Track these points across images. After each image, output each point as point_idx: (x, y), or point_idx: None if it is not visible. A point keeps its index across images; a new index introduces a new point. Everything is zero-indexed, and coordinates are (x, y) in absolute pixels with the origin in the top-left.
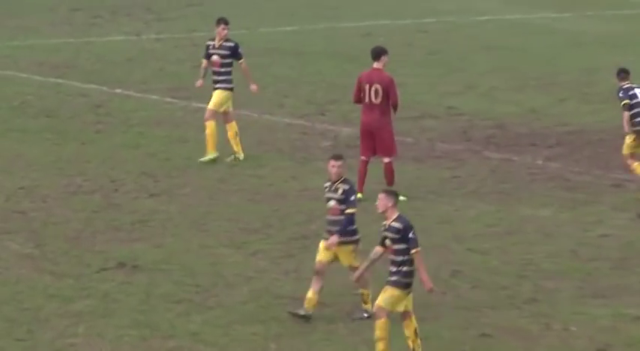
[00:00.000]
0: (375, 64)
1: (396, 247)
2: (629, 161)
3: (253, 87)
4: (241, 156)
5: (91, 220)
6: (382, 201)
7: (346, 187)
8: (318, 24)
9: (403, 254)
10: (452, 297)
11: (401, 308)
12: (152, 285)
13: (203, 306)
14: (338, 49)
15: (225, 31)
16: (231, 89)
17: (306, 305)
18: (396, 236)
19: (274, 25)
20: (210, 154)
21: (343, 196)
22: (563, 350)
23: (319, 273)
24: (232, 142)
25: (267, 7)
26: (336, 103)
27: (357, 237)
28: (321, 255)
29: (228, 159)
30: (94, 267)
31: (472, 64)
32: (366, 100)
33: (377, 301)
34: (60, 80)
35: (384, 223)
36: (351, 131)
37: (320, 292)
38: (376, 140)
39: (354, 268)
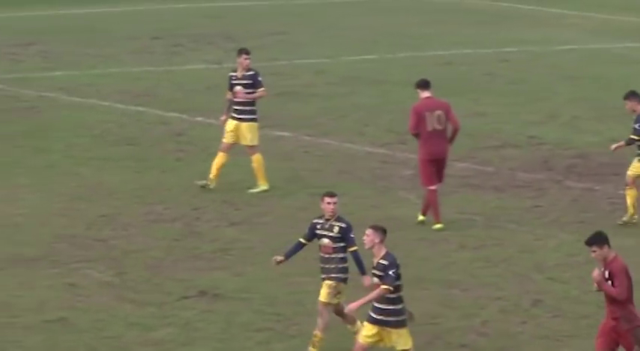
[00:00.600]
0: (428, 93)
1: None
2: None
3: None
4: (212, 185)
5: (172, 248)
6: (369, 236)
7: (343, 225)
8: (399, 53)
9: (392, 292)
10: (533, 326)
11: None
12: (233, 313)
13: (284, 334)
14: (418, 77)
15: (248, 61)
16: (256, 120)
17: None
18: (382, 274)
19: (355, 54)
20: (261, 185)
21: (339, 235)
22: None
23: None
24: (258, 173)
25: (349, 35)
26: None
27: (344, 276)
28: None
29: (199, 182)
30: (174, 295)
31: (554, 94)
32: (429, 129)
33: (397, 347)
34: (141, 108)
35: (373, 260)
36: None
37: (324, 330)
38: (440, 167)
39: (325, 305)
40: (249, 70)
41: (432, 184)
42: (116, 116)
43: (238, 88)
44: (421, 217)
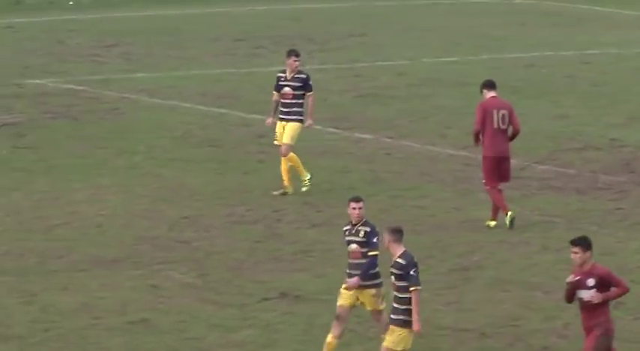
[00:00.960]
0: (494, 93)
1: (399, 284)
2: None
3: (310, 122)
4: (290, 190)
5: (254, 250)
6: (384, 237)
7: (368, 229)
8: (481, 55)
9: (405, 292)
10: (616, 329)
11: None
12: (314, 315)
13: (364, 336)
14: (500, 79)
15: (297, 63)
16: (302, 121)
17: (324, 350)
18: (399, 272)
19: (437, 56)
20: (304, 176)
21: (365, 239)
22: None
23: (339, 318)
24: (284, 175)
25: (430, 37)
26: None
27: (379, 280)
28: (343, 299)
29: (276, 192)
30: (256, 297)
31: (635, 96)
32: (495, 126)
33: (384, 343)
34: (223, 110)
35: (392, 259)
36: (513, 162)
37: (340, 336)
38: (504, 167)
39: (378, 313)
40: (299, 72)
41: (494, 184)
42: (198, 118)
43: (287, 89)
44: (492, 223)
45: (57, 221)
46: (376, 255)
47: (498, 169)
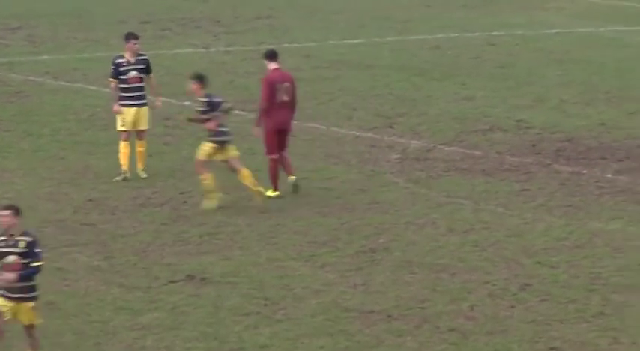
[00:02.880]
0: (276, 64)
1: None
2: None
3: (158, 103)
4: (128, 174)
5: (160, 232)
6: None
7: (29, 239)
8: (386, 37)
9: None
10: (521, 310)
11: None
12: (220, 298)
13: (271, 319)
14: (406, 62)
15: (137, 46)
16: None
17: None
18: (27, 250)
19: (343, 38)
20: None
21: (27, 250)
22: None
23: None
24: (125, 160)
25: (336, 19)
26: (404, 116)
27: (37, 293)
28: None
29: (118, 178)
30: (162, 279)
31: (541, 78)
32: (278, 100)
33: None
34: None
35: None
36: (419, 144)
37: None
38: (283, 137)
39: (31, 327)
40: (140, 54)
41: (275, 154)
42: (104, 101)
43: (134, 73)
44: (291, 177)
45: None
46: (39, 266)
47: (279, 140)
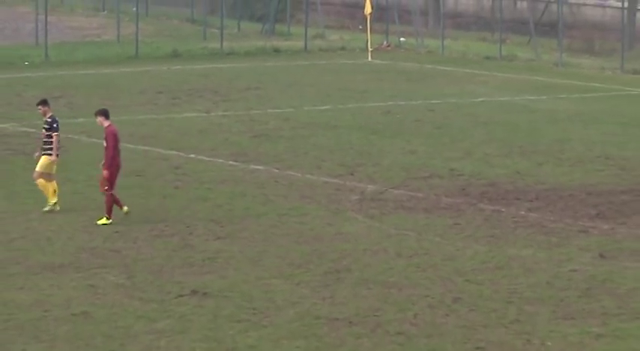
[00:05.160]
0: (109, 122)
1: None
2: None
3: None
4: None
5: (171, 257)
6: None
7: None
8: (348, 104)
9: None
10: (454, 318)
11: None
12: (218, 308)
13: (258, 325)
14: (364, 123)
15: (45, 109)
16: (51, 154)
17: None
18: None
19: (314, 105)
20: (51, 200)
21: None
22: None
23: None
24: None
25: (309, 90)
26: (362, 165)
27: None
28: None
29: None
30: (173, 294)
31: (470, 136)
32: (119, 147)
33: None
34: (147, 147)
35: None
36: (374, 188)
37: None
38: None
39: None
40: (50, 116)
41: (113, 190)
42: (126, 153)
43: (43, 130)
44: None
45: (15, 235)
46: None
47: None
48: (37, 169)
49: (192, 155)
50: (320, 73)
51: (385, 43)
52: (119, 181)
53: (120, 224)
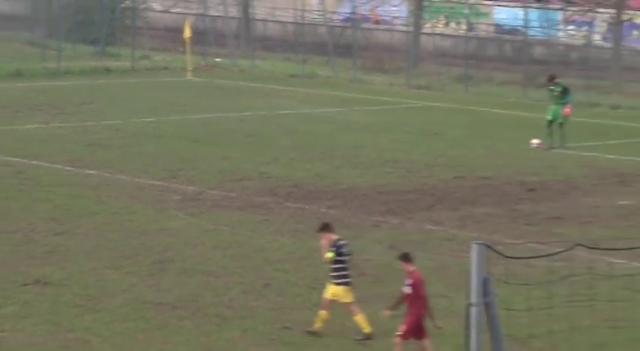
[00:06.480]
0: None
1: None
2: None
3: None
4: None
5: (15, 251)
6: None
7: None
8: (171, 116)
9: None
10: (264, 302)
11: None
12: (58, 295)
13: (93, 309)
14: (185, 133)
15: None
16: None
17: None
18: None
19: (141, 117)
20: None
21: None
22: (339, 337)
23: None
24: None
25: (136, 105)
26: (184, 170)
27: None
28: None
29: None
30: (17, 283)
31: (277, 144)
32: None
33: None
34: None
35: None
36: (194, 189)
37: None
38: None
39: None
40: None
41: None
42: None
43: None
44: None
45: None
46: None
47: None
48: None
49: (34, 162)
50: (146, 89)
51: (203, 63)
52: None
53: None
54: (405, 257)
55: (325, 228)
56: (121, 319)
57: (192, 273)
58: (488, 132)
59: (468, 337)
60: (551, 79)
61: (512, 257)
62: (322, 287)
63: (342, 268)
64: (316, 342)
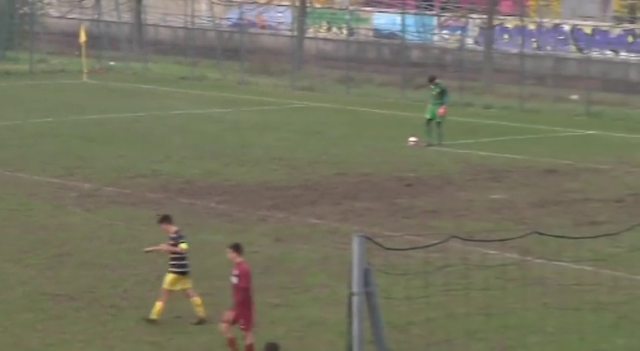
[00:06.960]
0: None
1: None
2: None
3: None
4: None
5: None
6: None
7: None
8: (69, 117)
9: None
10: (155, 293)
11: None
12: None
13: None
14: (82, 133)
15: None
16: None
17: None
18: None
19: (39, 118)
20: None
21: None
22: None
23: None
24: None
25: (34, 106)
26: (81, 168)
27: None
28: None
29: None
30: None
31: (169, 142)
32: None
33: None
34: None
35: None
36: (91, 186)
37: None
38: None
39: None
40: None
41: None
42: None
43: None
44: None
45: None
46: None
47: None
48: None
49: None
50: (44, 91)
51: (98, 66)
52: None
53: None
54: (236, 248)
55: (165, 219)
56: (20, 310)
57: (89, 266)
58: (369, 131)
59: (350, 324)
60: (432, 79)
61: (391, 249)
62: (212, 278)
63: (181, 257)
64: (205, 329)
